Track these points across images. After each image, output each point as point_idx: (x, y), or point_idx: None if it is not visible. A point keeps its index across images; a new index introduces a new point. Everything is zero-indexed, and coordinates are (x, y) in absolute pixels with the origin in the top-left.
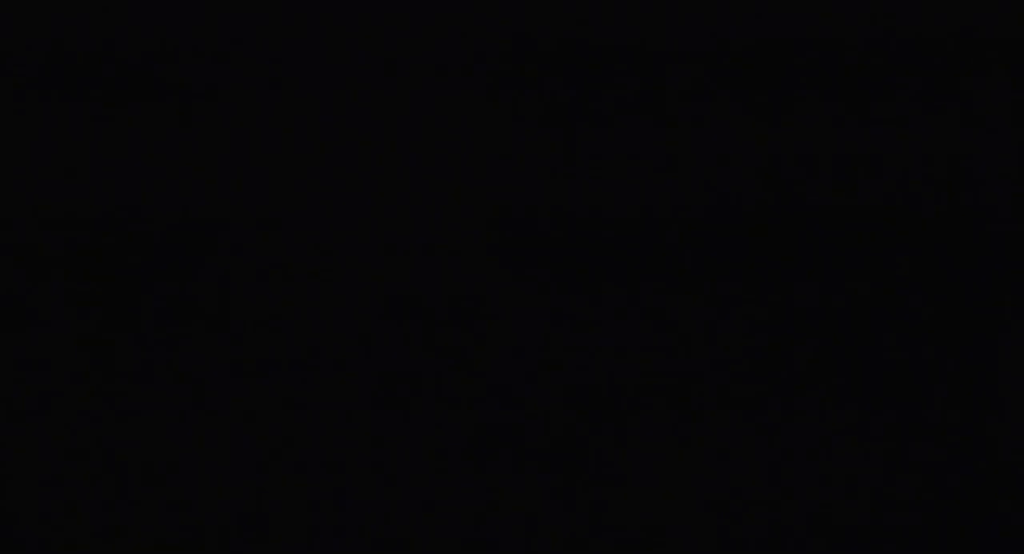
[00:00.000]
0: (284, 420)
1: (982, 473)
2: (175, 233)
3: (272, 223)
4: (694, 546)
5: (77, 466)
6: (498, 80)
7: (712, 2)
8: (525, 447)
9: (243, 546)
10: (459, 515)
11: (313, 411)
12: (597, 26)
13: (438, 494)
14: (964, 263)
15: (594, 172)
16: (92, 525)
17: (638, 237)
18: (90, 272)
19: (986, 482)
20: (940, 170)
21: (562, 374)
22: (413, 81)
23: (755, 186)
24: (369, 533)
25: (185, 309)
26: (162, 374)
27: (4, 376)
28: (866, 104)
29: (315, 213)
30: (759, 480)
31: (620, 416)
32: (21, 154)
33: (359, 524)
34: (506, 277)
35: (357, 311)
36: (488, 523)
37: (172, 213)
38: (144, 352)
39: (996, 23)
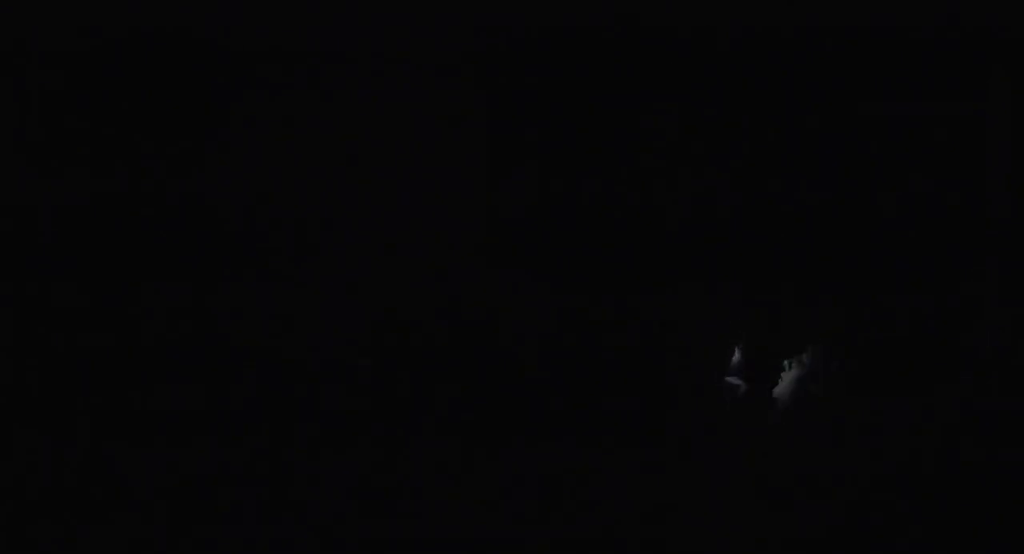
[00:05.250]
0: (282, 419)
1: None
2: (174, 233)
3: (273, 223)
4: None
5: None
6: (495, 80)
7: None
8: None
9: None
10: (458, 514)
11: (313, 410)
12: (596, 25)
13: (437, 493)
14: (962, 262)
15: (593, 172)
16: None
17: (636, 236)
18: (89, 271)
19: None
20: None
21: (561, 372)
22: (411, 81)
23: (754, 185)
24: (370, 532)
25: (184, 306)
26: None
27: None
28: (864, 102)
29: (313, 212)
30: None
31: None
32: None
33: (360, 523)
34: (504, 276)
35: (355, 312)
36: (488, 521)
37: (171, 213)
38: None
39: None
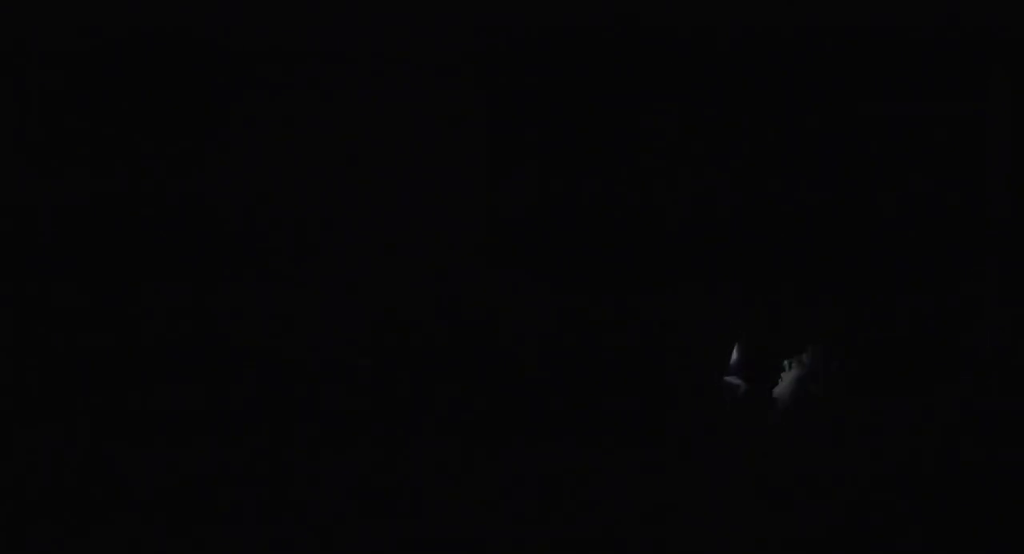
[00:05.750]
0: (283, 419)
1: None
2: (174, 233)
3: (273, 223)
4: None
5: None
6: (495, 80)
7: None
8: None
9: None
10: (458, 514)
11: (311, 410)
12: (595, 25)
13: (437, 493)
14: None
15: (593, 172)
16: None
17: (635, 236)
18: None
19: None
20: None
21: (561, 372)
22: (411, 81)
23: (754, 185)
24: (370, 532)
25: (184, 305)
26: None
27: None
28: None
29: (313, 212)
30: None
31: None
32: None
33: (360, 523)
34: (503, 277)
35: (355, 312)
36: (488, 521)
37: (171, 213)
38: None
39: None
